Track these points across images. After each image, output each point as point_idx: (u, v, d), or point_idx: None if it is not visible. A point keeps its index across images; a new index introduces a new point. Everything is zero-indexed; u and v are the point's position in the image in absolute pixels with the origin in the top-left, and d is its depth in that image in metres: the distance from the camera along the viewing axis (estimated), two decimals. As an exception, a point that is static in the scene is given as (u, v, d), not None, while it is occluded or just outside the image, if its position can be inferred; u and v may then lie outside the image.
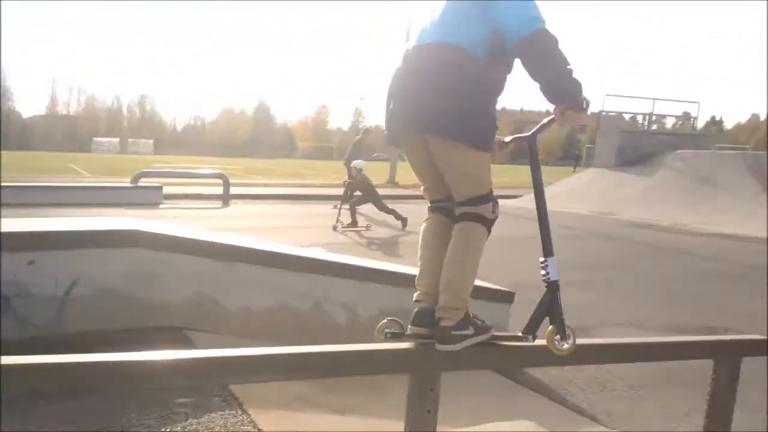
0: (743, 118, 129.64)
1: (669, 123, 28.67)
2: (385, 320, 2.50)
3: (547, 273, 2.39)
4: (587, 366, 4.25)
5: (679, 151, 20.31)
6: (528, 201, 19.89)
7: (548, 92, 2.27)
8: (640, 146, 21.62)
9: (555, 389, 4.15)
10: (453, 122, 2.25)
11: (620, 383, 4.27)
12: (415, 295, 2.46)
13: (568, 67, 2.21)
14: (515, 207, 14.53)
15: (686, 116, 25.76)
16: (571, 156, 50.26)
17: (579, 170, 31.18)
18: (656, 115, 26.38)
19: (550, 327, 2.36)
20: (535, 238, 2.45)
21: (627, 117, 26.95)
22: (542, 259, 2.40)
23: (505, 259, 7.82)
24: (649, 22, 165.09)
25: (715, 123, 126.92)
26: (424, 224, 2.55)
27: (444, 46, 2.27)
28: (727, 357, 2.68)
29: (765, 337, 2.88)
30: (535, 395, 4.06)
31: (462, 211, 2.38)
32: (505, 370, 4.15)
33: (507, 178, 22.49)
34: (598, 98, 23.20)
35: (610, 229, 13.68)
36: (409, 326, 2.40)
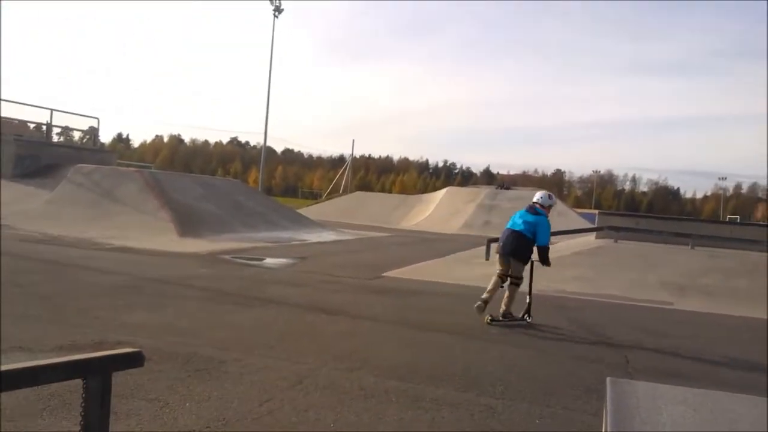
0: (149, 138, 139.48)
1: (77, 136, 28.23)
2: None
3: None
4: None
5: (80, 165, 20.14)
6: None
7: (542, 260, 8.14)
8: (42, 157, 20.57)
9: None
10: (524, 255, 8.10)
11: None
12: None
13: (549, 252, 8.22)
14: None
15: (91, 131, 25.84)
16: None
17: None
18: (62, 127, 25.70)
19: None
20: None
21: (32, 126, 25.36)
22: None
23: None
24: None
25: (122, 140, 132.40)
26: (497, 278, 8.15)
27: (523, 234, 8.04)
28: (98, 374, 2.61)
29: (137, 349, 2.93)
30: None
31: (513, 281, 8.09)
32: None
33: None
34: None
35: (8, 246, 12.43)
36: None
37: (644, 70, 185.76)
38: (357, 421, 4.13)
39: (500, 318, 7.95)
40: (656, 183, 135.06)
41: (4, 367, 2.74)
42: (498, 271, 8.17)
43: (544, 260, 8.11)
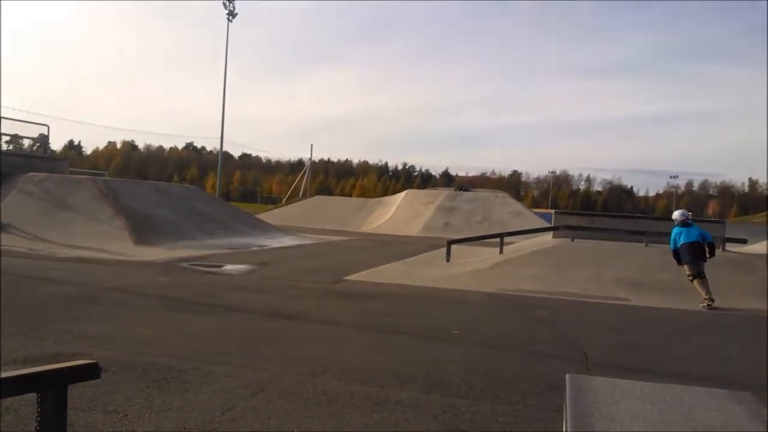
0: (102, 145, 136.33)
1: (27, 144, 27.36)
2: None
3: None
4: None
5: (31, 174, 19.60)
6: None
7: (711, 254, 10.79)
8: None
9: None
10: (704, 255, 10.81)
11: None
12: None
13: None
14: None
15: (41, 138, 25.12)
16: None
17: None
18: (11, 135, 24.95)
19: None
20: None
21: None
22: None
23: None
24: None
25: (73, 147, 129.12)
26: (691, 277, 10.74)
27: (698, 242, 10.65)
28: (53, 387, 2.54)
29: (93, 360, 2.85)
30: None
31: (702, 275, 10.61)
32: None
33: None
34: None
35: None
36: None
37: (597, 72, 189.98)
38: (321, 427, 4.11)
39: (711, 302, 10.34)
40: (610, 182, 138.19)
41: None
42: (691, 275, 10.68)
43: (713, 252, 10.85)
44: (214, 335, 6.75)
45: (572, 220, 16.75)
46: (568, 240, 15.24)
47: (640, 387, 2.77)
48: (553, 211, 27.58)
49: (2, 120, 22.57)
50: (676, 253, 10.88)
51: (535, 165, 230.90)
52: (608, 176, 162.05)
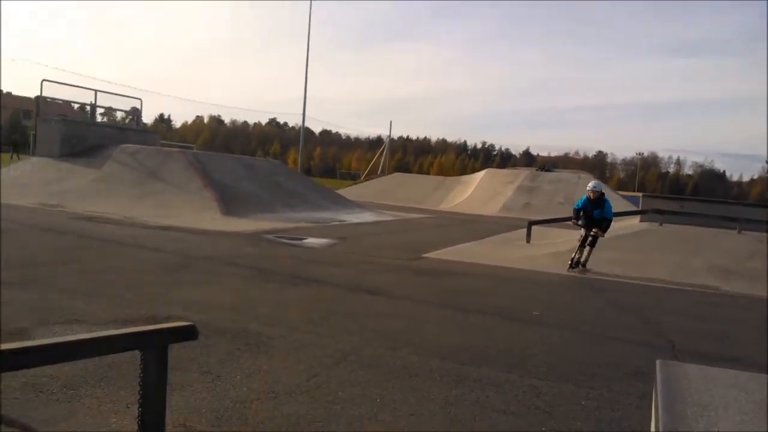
0: (190, 119, 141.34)
1: (120, 116, 28.79)
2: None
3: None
4: (25, 371, 3.83)
5: (125, 145, 20.61)
6: None
7: (604, 229, 11.43)
8: (87, 137, 21.12)
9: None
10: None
11: (56, 384, 3.96)
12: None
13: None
14: None
15: (134, 111, 26.35)
16: (12, 142, 45.07)
17: (23, 158, 28.72)
18: (105, 107, 26.22)
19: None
20: None
21: (76, 106, 25.97)
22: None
23: None
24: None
25: (164, 120, 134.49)
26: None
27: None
28: (155, 346, 2.71)
29: (190, 323, 3.02)
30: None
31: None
32: None
33: None
34: (36, 83, 21.51)
35: (58, 223, 12.88)
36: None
37: (688, 51, 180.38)
38: (402, 398, 4.20)
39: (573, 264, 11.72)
40: (701, 165, 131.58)
41: (64, 338, 2.86)
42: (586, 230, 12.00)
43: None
44: (299, 305, 6.97)
45: (661, 204, 16.13)
46: (656, 224, 14.70)
47: (734, 376, 2.68)
48: (640, 194, 26.60)
49: (98, 93, 23.77)
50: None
51: (621, 146, 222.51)
52: (699, 159, 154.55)
